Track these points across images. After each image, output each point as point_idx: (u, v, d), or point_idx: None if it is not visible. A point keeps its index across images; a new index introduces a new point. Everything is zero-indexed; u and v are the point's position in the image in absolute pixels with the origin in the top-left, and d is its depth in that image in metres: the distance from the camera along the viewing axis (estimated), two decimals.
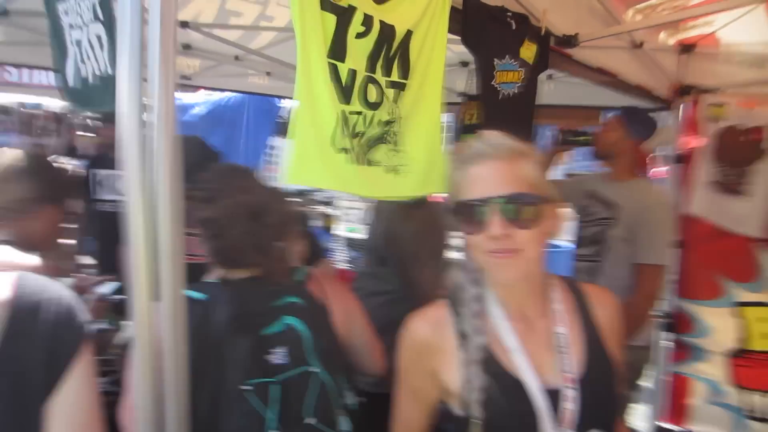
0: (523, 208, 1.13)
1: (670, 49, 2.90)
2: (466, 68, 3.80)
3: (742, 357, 2.94)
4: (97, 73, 1.54)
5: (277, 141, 5.87)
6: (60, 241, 1.84)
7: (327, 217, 5.30)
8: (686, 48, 2.89)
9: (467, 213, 1.15)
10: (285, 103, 5.92)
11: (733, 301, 2.96)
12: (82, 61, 1.60)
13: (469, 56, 3.56)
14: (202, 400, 1.28)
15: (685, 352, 3.12)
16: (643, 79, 2.89)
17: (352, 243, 5.25)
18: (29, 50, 3.18)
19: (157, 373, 1.13)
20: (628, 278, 2.71)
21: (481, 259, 1.18)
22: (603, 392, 1.20)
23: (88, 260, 4.04)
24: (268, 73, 4.13)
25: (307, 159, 1.30)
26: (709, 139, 3.03)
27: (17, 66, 5.63)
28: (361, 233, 4.74)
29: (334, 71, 1.37)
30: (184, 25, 2.92)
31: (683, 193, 3.13)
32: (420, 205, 2.56)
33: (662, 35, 2.84)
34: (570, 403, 1.15)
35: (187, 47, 3.38)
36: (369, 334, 1.68)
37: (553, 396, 1.15)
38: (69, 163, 5.68)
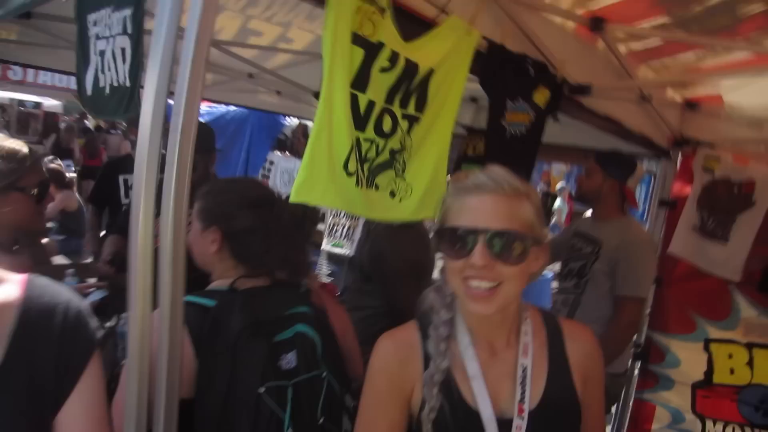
0: (511, 244, 1.12)
1: (676, 105, 2.98)
2: (474, 103, 3.86)
3: (706, 388, 3.08)
4: (115, 84, 1.57)
5: (275, 156, 5.90)
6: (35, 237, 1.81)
7: (316, 233, 5.34)
8: (691, 105, 3.00)
9: (453, 238, 1.15)
10: (289, 121, 5.99)
11: (705, 337, 3.10)
12: (102, 71, 1.62)
13: (478, 92, 3.64)
14: (213, 403, 1.30)
15: (652, 380, 3.24)
16: (646, 128, 2.96)
17: (333, 258, 5.31)
18: (44, 52, 3.20)
19: (149, 379, 1.15)
20: (607, 310, 2.82)
21: (457, 285, 1.16)
22: (556, 426, 1.20)
23: (63, 260, 4.01)
24: (278, 92, 4.17)
25: (317, 179, 1.34)
26: (701, 187, 3.17)
27: (25, 66, 5.64)
28: (344, 249, 4.77)
29: (354, 101, 1.41)
30: None
31: (667, 234, 3.27)
32: (408, 226, 2.62)
33: (669, 91, 2.92)
34: None
35: None
36: (355, 343, 1.73)
37: (505, 426, 1.16)
38: (57, 162, 5.68)
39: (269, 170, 5.77)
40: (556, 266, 3.35)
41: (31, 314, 0.84)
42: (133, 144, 4.00)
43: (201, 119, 1.17)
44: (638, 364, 3.29)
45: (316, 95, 3.68)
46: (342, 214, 5.01)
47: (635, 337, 3.16)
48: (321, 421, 1.41)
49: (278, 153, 5.87)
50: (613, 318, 2.80)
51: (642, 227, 3.16)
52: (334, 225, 5.02)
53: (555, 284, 3.37)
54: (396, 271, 2.69)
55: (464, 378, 1.20)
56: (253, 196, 1.56)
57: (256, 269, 1.52)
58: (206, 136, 2.88)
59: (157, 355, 1.18)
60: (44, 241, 3.00)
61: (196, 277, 1.37)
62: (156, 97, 1.17)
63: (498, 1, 1.78)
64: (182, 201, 1.16)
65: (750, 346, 2.99)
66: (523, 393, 1.18)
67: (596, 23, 2.05)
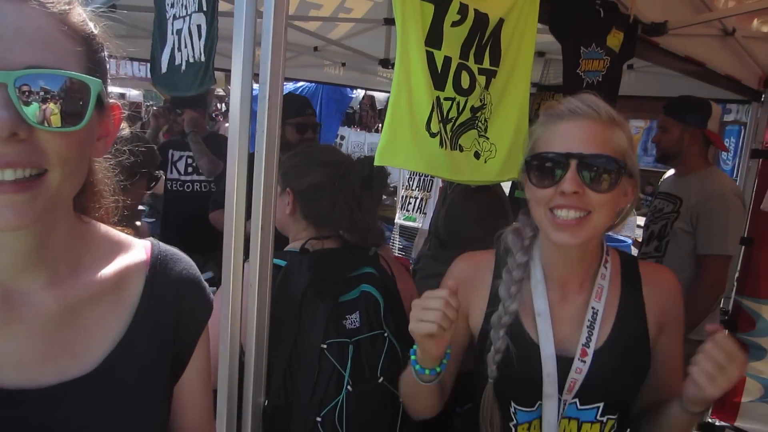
0: (603, 170, 1.08)
1: (764, 37, 2.77)
2: (542, 58, 3.75)
3: None
4: (191, 60, 1.66)
5: (345, 130, 5.98)
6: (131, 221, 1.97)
7: (388, 207, 5.36)
8: None
9: (542, 166, 1.11)
10: (356, 93, 6.04)
11: None
12: (179, 49, 1.72)
13: (544, 46, 3.55)
14: (281, 356, 1.38)
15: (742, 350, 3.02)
16: (733, 68, 2.78)
17: (405, 232, 5.31)
18: (125, 43, 3.37)
19: (240, 326, 1.30)
20: (691, 271, 2.68)
21: (542, 216, 1.13)
22: (619, 371, 1.17)
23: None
24: (343, 64, 4.21)
25: (400, 141, 1.35)
26: None
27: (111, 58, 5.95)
28: (416, 222, 4.78)
29: (431, 59, 1.41)
30: None
31: (760, 189, 3.01)
32: (484, 189, 2.59)
33: (756, 22, 2.72)
34: (577, 375, 1.15)
35: None
36: None
37: (565, 366, 1.15)
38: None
39: (340, 145, 5.87)
40: (637, 233, 3.21)
41: (156, 279, 0.85)
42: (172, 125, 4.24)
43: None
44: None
45: (382, 63, 3.74)
46: (414, 187, 5.02)
47: (722, 302, 2.98)
48: (381, 380, 1.45)
49: (347, 127, 5.95)
50: (696, 279, 2.66)
51: (726, 177, 2.96)
52: (406, 198, 5.03)
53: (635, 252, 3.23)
54: (471, 235, 2.65)
55: (530, 314, 1.20)
56: (321, 157, 1.62)
57: (324, 229, 1.58)
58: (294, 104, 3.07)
59: (247, 309, 1.30)
60: (138, 224, 3.23)
61: None
62: (243, 74, 1.25)
63: None
64: (272, 168, 1.25)
65: None
66: (589, 336, 1.17)
67: None
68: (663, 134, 2.85)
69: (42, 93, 0.61)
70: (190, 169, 3.89)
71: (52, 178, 0.64)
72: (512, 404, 1.19)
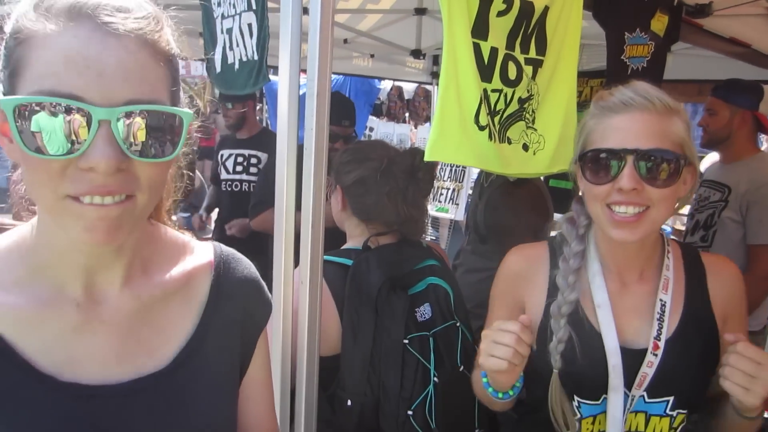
0: (661, 165, 1.05)
1: None
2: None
3: None
4: (244, 59, 1.67)
5: (373, 122, 5.97)
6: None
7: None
8: None
9: (597, 162, 1.08)
10: (384, 85, 6.02)
11: None
12: (230, 48, 1.73)
13: (586, 32, 3.44)
14: (361, 356, 1.38)
15: None
16: None
17: (435, 223, 5.28)
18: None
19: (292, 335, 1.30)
20: (741, 262, 2.56)
21: (599, 212, 1.11)
22: (688, 364, 1.15)
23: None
24: (372, 56, 4.19)
25: (449, 136, 1.34)
26: None
27: None
28: (449, 213, 4.74)
29: (478, 50, 1.39)
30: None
31: None
32: (524, 181, 2.54)
33: None
34: (648, 368, 1.12)
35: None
36: None
37: (633, 357, 1.13)
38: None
39: (369, 137, 5.87)
40: (677, 222, 3.10)
41: (221, 279, 0.87)
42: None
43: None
44: None
45: (414, 53, 3.70)
46: (446, 177, 4.98)
47: None
48: (461, 368, 1.46)
49: (375, 118, 5.94)
50: (746, 270, 2.54)
51: None
52: (438, 188, 5.00)
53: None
54: (513, 229, 2.59)
55: (591, 305, 1.18)
56: (366, 152, 1.61)
57: (375, 223, 1.58)
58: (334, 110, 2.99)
59: (298, 311, 1.30)
60: (173, 218, 3.26)
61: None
62: (290, 70, 1.25)
63: None
64: (321, 166, 1.25)
65: None
66: (659, 329, 1.14)
67: None
68: (711, 117, 2.72)
69: (140, 126, 0.64)
70: (239, 168, 3.64)
71: (140, 200, 0.68)
72: (575, 398, 1.18)
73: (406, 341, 1.39)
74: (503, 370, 1.04)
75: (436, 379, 1.40)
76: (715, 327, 1.18)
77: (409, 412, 1.36)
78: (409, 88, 6.61)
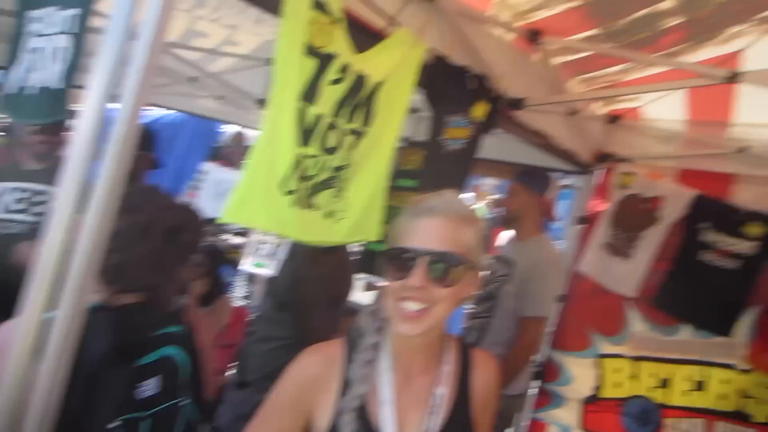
0: (448, 267, 1.18)
1: (599, 118, 3.15)
2: (414, 115, 3.90)
3: (593, 403, 3.12)
4: (46, 84, 1.48)
5: (206, 166, 5.70)
6: None
7: (236, 250, 5.09)
8: (612, 118, 3.14)
9: (397, 259, 1.19)
10: (227, 128, 5.82)
11: (597, 353, 3.14)
12: (34, 69, 1.53)
13: (416, 104, 3.63)
14: None
15: (547, 398, 3.27)
16: (572, 143, 3.08)
17: (253, 279, 5.14)
18: None
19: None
20: (513, 331, 2.91)
21: (391, 306, 1.21)
22: None
23: None
24: (221, 98, 4.05)
25: (252, 198, 1.29)
26: (612, 204, 3.23)
27: None
28: (267, 269, 4.62)
29: (302, 114, 1.39)
30: None
31: (578, 252, 3.29)
32: (332, 250, 2.56)
33: (595, 105, 3.08)
34: None
35: None
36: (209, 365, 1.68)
37: None
38: None
39: (200, 180, 5.57)
40: None
41: None
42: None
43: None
44: (535, 383, 3.27)
45: (261, 102, 3.63)
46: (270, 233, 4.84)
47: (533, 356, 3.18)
48: None
49: (211, 163, 5.67)
50: (515, 339, 2.88)
51: (552, 246, 3.26)
52: (259, 242, 4.83)
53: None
54: (313, 299, 2.61)
55: (375, 402, 1.23)
56: (127, 201, 1.36)
57: (118, 285, 1.41)
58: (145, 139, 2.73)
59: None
60: None
61: None
62: (99, 99, 1.12)
63: (444, 14, 1.82)
64: (112, 207, 1.11)
65: (637, 360, 3.03)
66: (431, 422, 1.24)
67: (533, 35, 2.14)
68: (511, 198, 3.10)
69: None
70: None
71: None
72: None
73: (117, 424, 1.23)
74: None
75: None
76: (471, 418, 1.31)
77: None
78: (252, 135, 6.43)
